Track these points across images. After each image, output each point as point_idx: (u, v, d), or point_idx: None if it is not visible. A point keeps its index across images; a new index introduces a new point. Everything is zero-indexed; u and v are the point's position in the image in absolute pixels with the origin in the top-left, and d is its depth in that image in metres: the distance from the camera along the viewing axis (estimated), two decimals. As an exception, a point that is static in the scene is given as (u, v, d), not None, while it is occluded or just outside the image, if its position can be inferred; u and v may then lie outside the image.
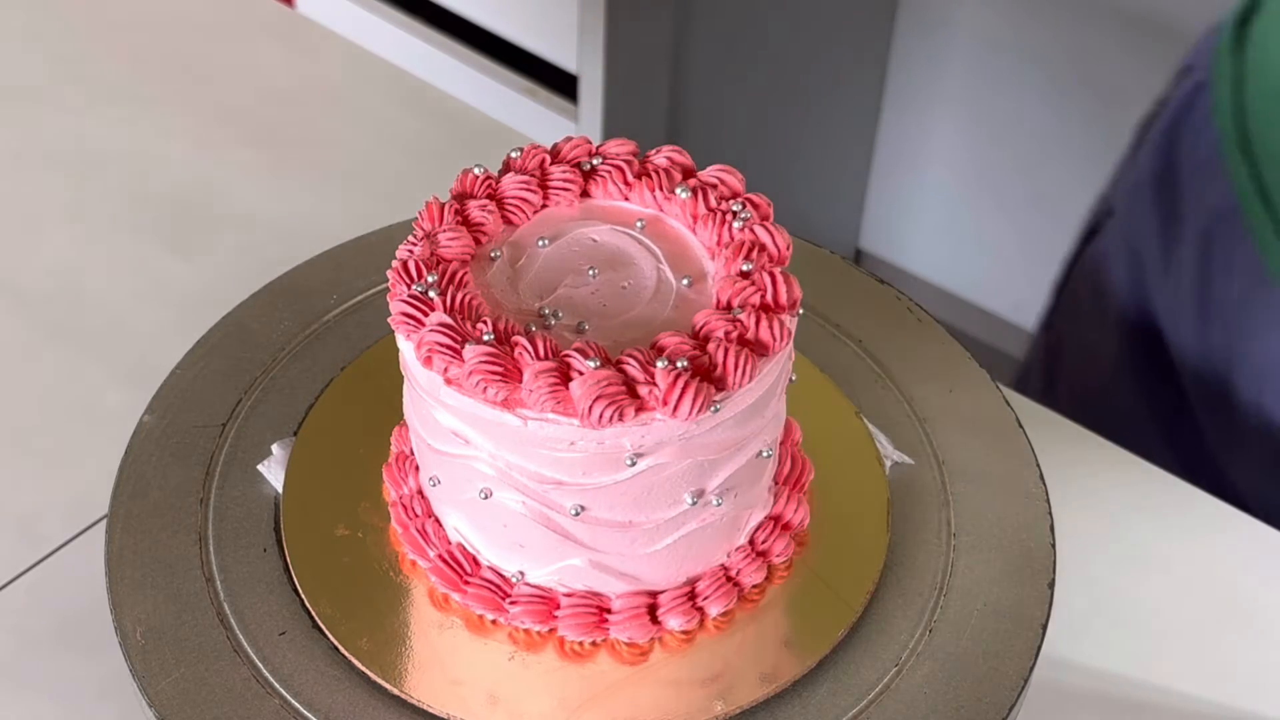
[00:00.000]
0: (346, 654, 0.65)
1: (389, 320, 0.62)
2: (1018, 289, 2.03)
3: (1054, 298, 1.13)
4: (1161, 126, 0.98)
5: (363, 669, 0.64)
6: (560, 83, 1.73)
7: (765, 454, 0.65)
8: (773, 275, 0.62)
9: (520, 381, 0.59)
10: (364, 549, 0.68)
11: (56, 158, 1.07)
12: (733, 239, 0.64)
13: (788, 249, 0.64)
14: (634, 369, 0.59)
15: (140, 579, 0.67)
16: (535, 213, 0.67)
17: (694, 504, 0.63)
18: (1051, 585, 0.69)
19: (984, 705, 0.64)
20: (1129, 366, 1.01)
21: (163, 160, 1.07)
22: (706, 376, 0.59)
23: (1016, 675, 0.65)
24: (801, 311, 0.64)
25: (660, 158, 0.68)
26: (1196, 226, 0.93)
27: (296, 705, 0.63)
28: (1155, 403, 1.00)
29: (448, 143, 1.09)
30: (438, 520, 0.67)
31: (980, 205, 2.09)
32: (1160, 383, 1.00)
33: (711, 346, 0.60)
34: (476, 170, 0.67)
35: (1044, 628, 0.67)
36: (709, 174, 0.67)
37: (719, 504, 0.64)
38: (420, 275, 0.62)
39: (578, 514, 0.62)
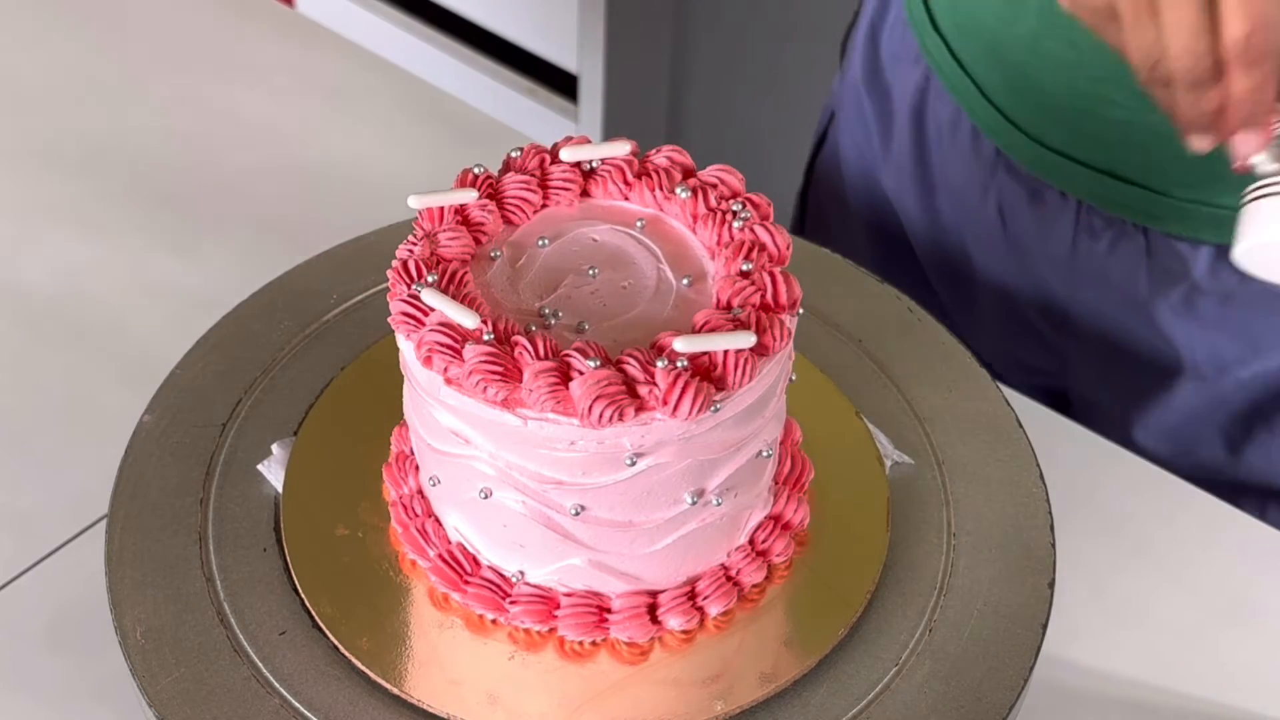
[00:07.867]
0: (346, 654, 0.65)
1: (389, 320, 0.62)
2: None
3: (798, 207, 1.17)
4: (861, 30, 1.04)
5: (363, 669, 0.64)
6: (560, 82, 1.73)
7: (765, 454, 0.65)
8: (773, 275, 0.62)
9: (520, 381, 0.59)
10: (364, 549, 0.68)
11: (56, 158, 1.07)
12: (733, 239, 0.64)
13: (788, 249, 0.64)
14: (634, 369, 0.59)
15: (140, 579, 0.67)
16: (535, 212, 0.67)
17: (694, 504, 0.63)
18: (1051, 585, 0.69)
19: (984, 705, 0.64)
20: (876, 255, 1.06)
21: (163, 160, 1.07)
22: (706, 376, 0.59)
23: (1016, 675, 0.65)
24: (801, 311, 0.64)
25: (660, 158, 0.68)
26: (905, 107, 0.98)
27: (296, 705, 0.63)
28: (901, 285, 1.05)
29: (448, 143, 1.09)
30: (438, 520, 0.67)
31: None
32: (901, 264, 1.04)
33: (711, 346, 0.60)
34: (476, 170, 0.67)
35: (1044, 628, 0.67)
36: (709, 174, 0.67)
37: (719, 504, 0.64)
38: (420, 275, 0.62)
39: (578, 514, 0.62)
